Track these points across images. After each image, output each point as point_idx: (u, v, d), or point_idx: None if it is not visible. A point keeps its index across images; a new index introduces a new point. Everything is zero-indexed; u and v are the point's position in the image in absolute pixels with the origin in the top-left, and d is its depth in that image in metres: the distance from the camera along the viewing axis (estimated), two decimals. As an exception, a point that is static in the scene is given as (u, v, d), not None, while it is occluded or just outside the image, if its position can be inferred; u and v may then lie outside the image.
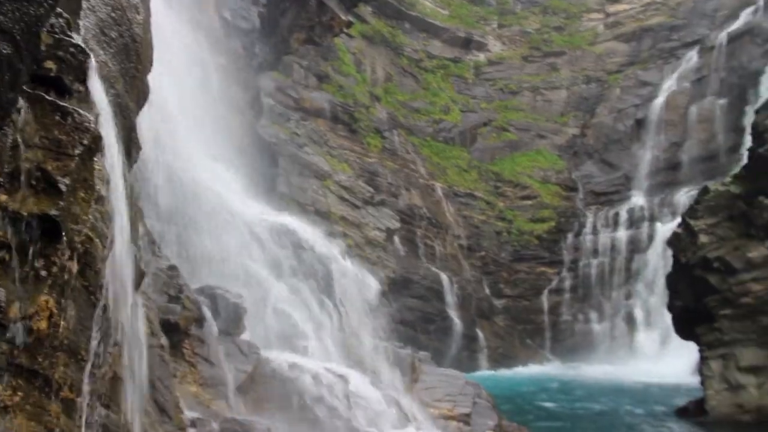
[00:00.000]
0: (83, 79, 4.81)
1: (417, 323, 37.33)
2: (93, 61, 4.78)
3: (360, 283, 9.90)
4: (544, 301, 44.72)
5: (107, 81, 5.24)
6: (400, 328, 32.94)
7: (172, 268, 8.22)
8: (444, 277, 39.69)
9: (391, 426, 7.35)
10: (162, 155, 9.13)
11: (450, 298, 39.35)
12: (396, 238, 37.50)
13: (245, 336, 8.46)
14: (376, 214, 32.37)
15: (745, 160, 24.46)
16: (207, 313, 8.25)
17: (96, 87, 4.88)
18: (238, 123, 20.04)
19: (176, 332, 7.88)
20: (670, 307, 25.75)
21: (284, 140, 34.14)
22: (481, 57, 54.14)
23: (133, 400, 5.77)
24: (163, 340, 6.77)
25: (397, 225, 34.42)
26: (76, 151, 4.62)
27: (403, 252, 38.78)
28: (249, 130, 25.65)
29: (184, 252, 9.23)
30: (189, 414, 7.20)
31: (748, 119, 30.46)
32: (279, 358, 7.99)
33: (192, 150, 10.09)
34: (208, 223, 9.46)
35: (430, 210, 42.24)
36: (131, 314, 5.67)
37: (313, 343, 8.22)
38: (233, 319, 8.35)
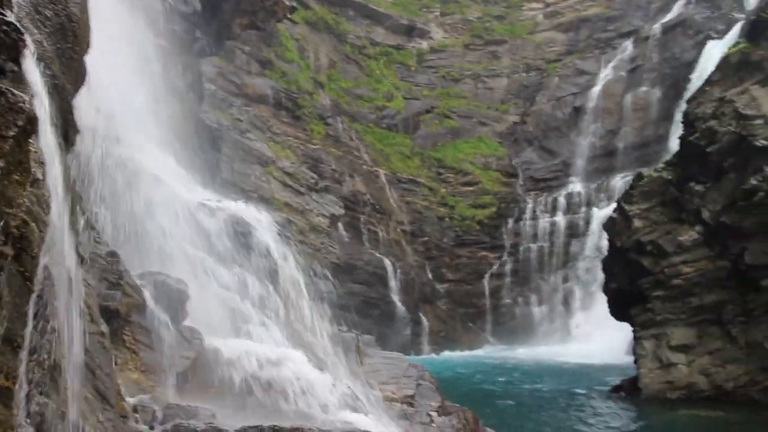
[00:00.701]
0: (17, 59, 4.67)
1: (361, 308, 37.46)
2: (28, 40, 4.65)
3: (304, 268, 9.91)
4: (486, 285, 45.51)
5: (43, 61, 5.10)
6: (345, 313, 32.93)
7: (112, 254, 8.07)
8: (387, 263, 39.95)
9: (336, 409, 7.42)
10: (100, 138, 8.93)
11: (393, 283, 39.66)
12: (340, 225, 37.54)
13: (188, 322, 8.39)
14: (320, 200, 32.32)
15: (677, 148, 25.28)
16: (148, 299, 8.15)
17: (31, 67, 4.74)
18: (179, 108, 19.67)
19: (117, 319, 7.76)
20: (606, 290, 26.53)
21: (227, 126, 33.68)
22: (424, 44, 54.39)
23: (73, 387, 5.68)
24: (103, 327, 6.67)
25: (341, 211, 34.46)
26: (11, 133, 4.48)
27: (347, 238, 38.85)
28: (190, 115, 25.21)
29: (125, 238, 9.08)
30: (131, 401, 7.13)
31: (681, 108, 31.45)
32: (222, 343, 7.96)
33: (131, 133, 9.89)
34: (149, 208, 9.32)
35: (374, 196, 42.39)
36: (70, 301, 5.56)
37: (257, 328, 8.21)
38: (175, 306, 8.26)
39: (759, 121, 20.92)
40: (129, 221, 9.25)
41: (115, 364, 7.34)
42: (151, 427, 6.89)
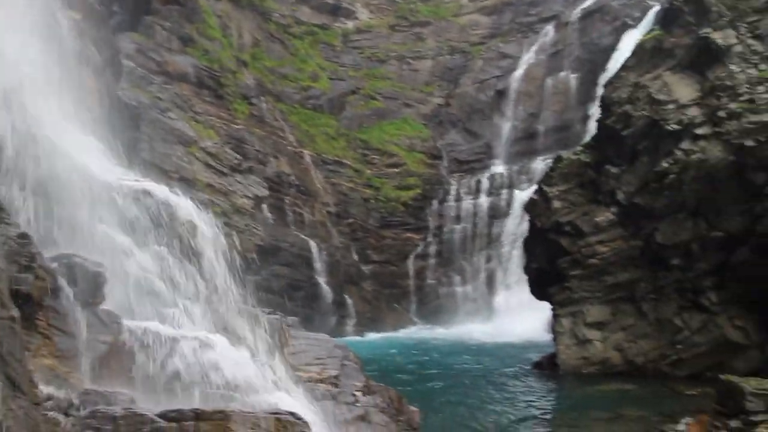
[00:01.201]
0: None
1: (286, 290, 37.26)
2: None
3: (227, 250, 9.74)
4: (410, 266, 45.97)
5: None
6: (269, 295, 32.76)
7: (24, 236, 7.72)
8: (313, 244, 39.78)
9: (260, 391, 7.38)
10: (10, 115, 8.49)
11: (318, 265, 39.56)
12: (264, 206, 37.08)
13: (105, 306, 8.14)
14: (244, 181, 31.81)
15: (594, 131, 26.08)
16: (63, 282, 7.84)
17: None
18: (96, 85, 18.91)
19: (29, 303, 7.45)
20: (527, 269, 27.26)
21: (146, 105, 32.59)
22: (349, 25, 54.03)
23: (-18, 375, 5.45)
24: (14, 312, 6.39)
25: (266, 193, 34.01)
26: None
27: (272, 220, 38.43)
28: (108, 92, 24.29)
29: (37, 219, 8.70)
30: (45, 388, 6.88)
31: (599, 92, 32.41)
32: (142, 327, 7.76)
33: (44, 110, 9.45)
34: (64, 188, 8.94)
35: (299, 177, 42.04)
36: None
37: (177, 311, 8.03)
38: (92, 289, 7.99)
39: (671, 106, 21.80)
40: (43, 201, 8.87)
41: (28, 350, 7.06)
42: (67, 414, 6.68)
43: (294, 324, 10.10)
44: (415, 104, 52.11)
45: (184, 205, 9.87)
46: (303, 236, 39.80)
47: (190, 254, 9.05)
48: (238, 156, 34.27)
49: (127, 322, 7.82)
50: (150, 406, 6.39)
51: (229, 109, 39.99)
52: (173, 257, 8.80)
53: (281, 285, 36.99)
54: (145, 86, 33.75)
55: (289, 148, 43.14)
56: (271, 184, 38.33)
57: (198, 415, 5.71)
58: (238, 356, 7.39)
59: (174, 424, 5.70)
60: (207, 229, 9.77)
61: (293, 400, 7.18)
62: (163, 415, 6.00)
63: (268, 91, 46.06)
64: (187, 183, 26.92)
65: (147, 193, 9.49)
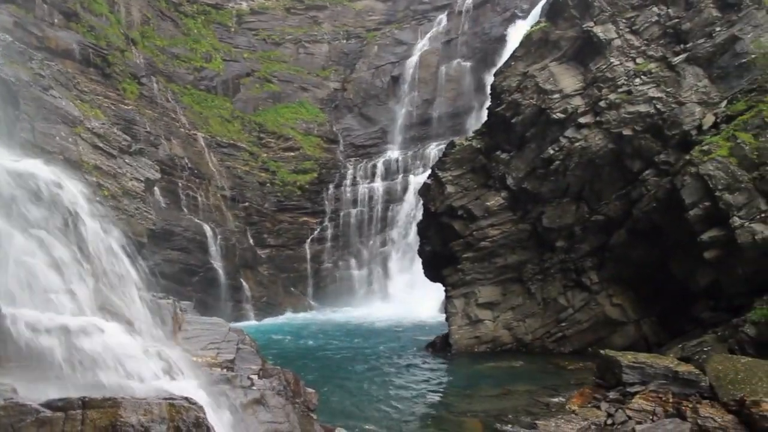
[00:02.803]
0: None
1: (180, 275, 36.37)
2: None
3: (116, 234, 9.43)
4: (307, 249, 46.00)
5: None
6: (163, 281, 31.86)
7: None
8: (207, 229, 38.99)
9: (153, 377, 7.24)
10: None
11: (214, 250, 38.84)
12: (156, 189, 35.91)
13: (-17, 293, 7.72)
14: (134, 163, 30.60)
15: (485, 118, 26.82)
16: (-65, 269, 7.39)
17: None
18: (-33, 59, 17.67)
19: None
20: (421, 252, 27.79)
21: (26, 82, 30.70)
22: (244, 5, 53.02)
23: None
24: None
25: (157, 175, 32.87)
26: None
27: (164, 203, 37.34)
28: (-19, 68, 22.77)
29: None
30: None
31: (490, 80, 33.40)
32: (24, 314, 7.42)
33: None
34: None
35: (192, 160, 41.00)
36: None
37: (63, 297, 7.72)
38: (-32, 276, 7.57)
39: (556, 96, 22.76)
40: None
41: None
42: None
43: (188, 308, 9.94)
44: (311, 88, 51.89)
45: (69, 187, 9.47)
46: (197, 220, 38.93)
47: (76, 238, 8.72)
48: (128, 137, 32.91)
49: (7, 310, 7.46)
50: (35, 395, 6.15)
51: (118, 89, 38.38)
52: (58, 241, 8.44)
53: (175, 270, 36.09)
54: (24, 62, 31.78)
55: (181, 130, 41.95)
56: (164, 167, 37.15)
57: (86, 404, 5.55)
58: (128, 342, 7.21)
59: (60, 414, 5.52)
60: (94, 213, 9.42)
61: (187, 385, 7.09)
62: (49, 405, 5.78)
63: (159, 71, 44.55)
64: (73, 165, 25.65)
65: (28, 174, 9.03)
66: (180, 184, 39.18)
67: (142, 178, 29.79)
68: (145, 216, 28.77)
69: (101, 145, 28.32)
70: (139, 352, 7.20)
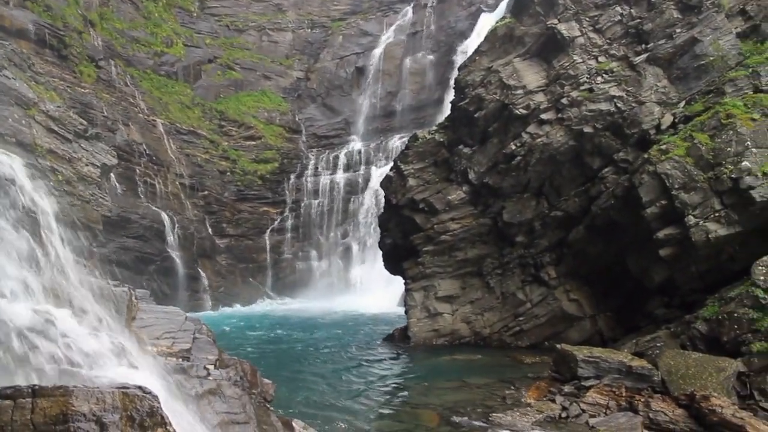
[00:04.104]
0: None
1: (136, 264, 35.79)
2: None
3: (70, 220, 9.16)
4: (267, 240, 45.69)
5: None
6: (118, 269, 31.33)
7: None
8: (165, 217, 38.41)
9: (106, 366, 7.07)
10: None
11: (171, 238, 38.29)
12: (113, 175, 35.20)
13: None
14: (90, 148, 29.86)
15: (448, 112, 26.88)
16: None
17: None
18: None
19: None
20: (381, 245, 27.78)
21: (-23, 61, 29.80)
22: (207, -10, 52.27)
23: None
24: None
25: (114, 161, 32.15)
26: None
27: (121, 190, 36.65)
28: (-70, 45, 21.96)
29: None
30: None
31: (454, 74, 33.50)
32: (-28, 300, 7.18)
33: None
34: None
35: (151, 147, 40.28)
36: None
37: (12, 283, 7.48)
38: None
39: (519, 92, 22.91)
40: None
41: None
42: None
43: (143, 297, 9.73)
44: (274, 77, 51.43)
45: (20, 172, 9.18)
46: (155, 208, 38.32)
47: (28, 224, 8.45)
48: (84, 121, 32.12)
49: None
50: (-19, 384, 5.94)
51: (75, 72, 37.49)
52: (8, 227, 8.17)
53: (131, 258, 35.50)
54: (-24, 41, 30.83)
55: (140, 115, 41.17)
56: (121, 153, 36.44)
57: (36, 392, 5.38)
58: (81, 330, 7.02)
59: (8, 402, 5.34)
60: (46, 198, 9.14)
61: (142, 375, 6.95)
62: (-4, 394, 5.61)
63: (118, 54, 43.66)
64: (25, 148, 24.93)
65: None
66: (137, 171, 38.50)
67: (98, 164, 29.13)
68: (101, 202, 28.16)
69: (56, 128, 27.60)
70: (91, 340, 7.01)
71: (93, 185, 28.07)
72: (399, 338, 25.13)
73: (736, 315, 15.38)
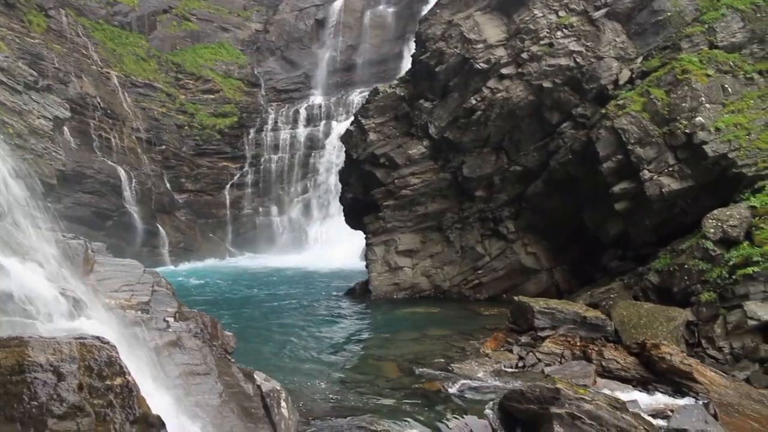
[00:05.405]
0: None
1: (93, 219, 35.20)
2: None
3: (22, 173, 8.93)
4: (227, 195, 45.27)
5: None
6: (75, 225, 30.75)
7: None
8: (122, 172, 37.72)
9: (62, 317, 7.01)
10: None
11: (128, 194, 37.68)
12: (66, 129, 34.34)
13: None
14: (42, 101, 29.01)
15: (409, 66, 26.69)
16: None
17: None
18: None
19: None
20: (342, 200, 27.76)
21: None
22: (161, -64, 50.41)
23: None
24: None
25: (67, 114, 31.37)
26: None
27: (75, 144, 35.79)
28: None
29: None
30: None
31: (415, 28, 33.17)
32: None
33: None
34: None
35: (105, 100, 39.27)
36: None
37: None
38: None
39: (480, 46, 22.81)
40: None
41: None
42: None
43: (100, 250, 9.60)
44: (232, 29, 50.30)
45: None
46: (111, 163, 37.58)
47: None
48: (34, 73, 31.15)
49: None
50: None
51: (23, 21, 36.14)
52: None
53: (88, 214, 34.90)
54: None
55: (93, 67, 40.01)
56: (74, 106, 35.49)
57: (-9, 344, 5.32)
58: (35, 281, 6.92)
59: (-37, 355, 5.27)
60: (-2, 150, 8.88)
61: (100, 327, 6.90)
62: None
63: (69, 3, 42.12)
64: (-27, 100, 24.15)
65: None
66: (92, 125, 37.58)
67: (50, 117, 28.39)
68: (54, 156, 27.53)
69: (4, 79, 26.74)
70: (47, 292, 6.93)
71: (45, 139, 27.39)
72: (360, 292, 25.33)
73: (686, 266, 15.87)
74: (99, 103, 38.38)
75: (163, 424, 5.73)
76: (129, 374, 5.55)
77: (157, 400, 6.36)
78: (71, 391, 5.05)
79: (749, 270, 14.18)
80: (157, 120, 42.84)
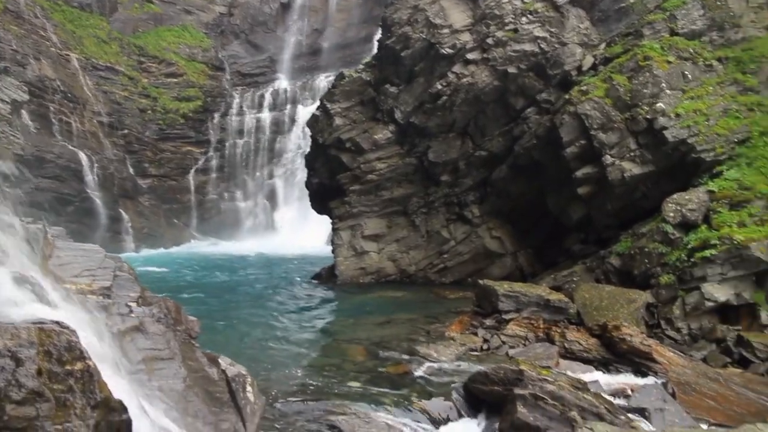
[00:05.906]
0: None
1: (53, 204, 34.53)
2: None
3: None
4: (191, 180, 44.76)
5: None
6: (34, 210, 30.14)
7: None
8: (83, 156, 37.02)
9: (19, 303, 6.88)
10: None
11: (90, 179, 37.03)
12: (24, 112, 33.56)
13: None
14: (-2, 84, 28.29)
15: (375, 50, 26.61)
16: None
17: None
18: None
19: None
20: (308, 185, 27.68)
21: None
22: None
23: None
24: None
25: (25, 97, 30.65)
26: None
27: (34, 128, 35.01)
28: None
29: None
30: None
31: (381, 12, 33.04)
32: None
33: None
34: None
35: (65, 83, 38.44)
36: None
37: None
38: None
39: (446, 31, 22.84)
40: None
41: None
42: None
43: (60, 235, 9.41)
44: (195, 11, 49.53)
45: None
46: (71, 147, 36.86)
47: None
48: (-9, 55, 30.33)
49: None
50: None
51: (-21, 1, 35.13)
52: None
53: (48, 199, 34.23)
54: None
55: (52, 49, 39.10)
56: (32, 89, 34.69)
57: (-54, 330, 5.22)
58: (-8, 267, 6.77)
59: None
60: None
61: (60, 312, 6.79)
62: None
63: (26, -17, 40.98)
64: (-74, 82, 23.44)
65: None
66: (51, 108, 36.78)
67: (7, 100, 27.72)
68: (12, 140, 26.93)
69: (-40, 61, 25.99)
70: (4, 277, 6.79)
71: (3, 122, 26.75)
72: (326, 277, 25.34)
73: (646, 250, 16.18)
74: (59, 86, 37.57)
75: (125, 409, 5.68)
76: (90, 359, 5.48)
77: (119, 385, 6.30)
78: (30, 377, 4.97)
79: (707, 253, 14.50)
80: (119, 104, 42.10)
